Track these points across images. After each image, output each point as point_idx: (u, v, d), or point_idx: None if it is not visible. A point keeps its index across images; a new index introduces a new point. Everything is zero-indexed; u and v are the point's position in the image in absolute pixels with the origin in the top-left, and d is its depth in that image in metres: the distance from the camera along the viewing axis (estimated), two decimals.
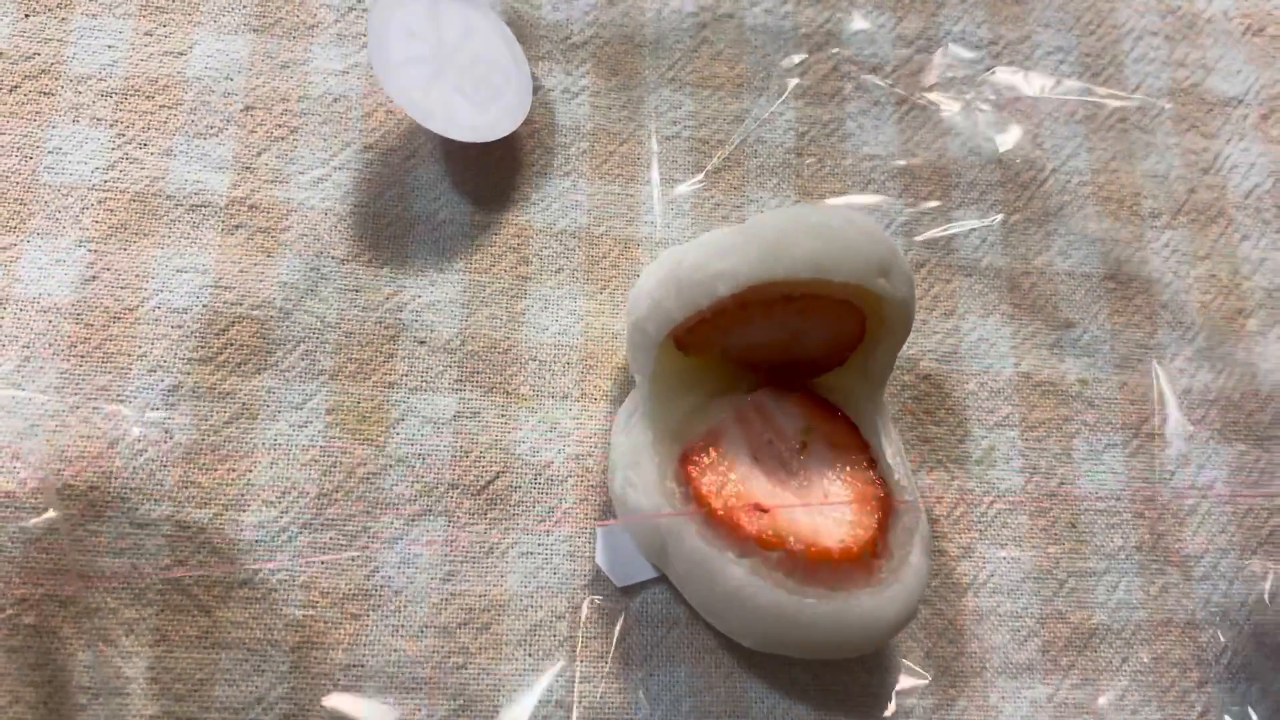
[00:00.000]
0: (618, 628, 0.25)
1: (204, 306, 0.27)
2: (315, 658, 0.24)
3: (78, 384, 0.26)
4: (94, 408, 0.25)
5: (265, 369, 0.26)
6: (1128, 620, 0.27)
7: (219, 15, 0.30)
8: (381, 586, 0.25)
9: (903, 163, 0.31)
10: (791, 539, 0.22)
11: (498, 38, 0.30)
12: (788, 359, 0.25)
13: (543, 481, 0.26)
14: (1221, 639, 0.27)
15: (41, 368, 0.26)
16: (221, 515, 0.25)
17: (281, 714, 0.24)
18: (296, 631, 0.24)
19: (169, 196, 0.28)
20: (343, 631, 0.25)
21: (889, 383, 0.28)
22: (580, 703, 0.24)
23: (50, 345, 0.26)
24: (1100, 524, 0.28)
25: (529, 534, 0.26)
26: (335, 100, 0.29)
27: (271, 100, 0.29)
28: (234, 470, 0.25)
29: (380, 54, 0.27)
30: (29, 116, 0.28)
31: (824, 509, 0.23)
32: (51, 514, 0.24)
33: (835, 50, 0.32)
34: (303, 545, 0.25)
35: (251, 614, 0.24)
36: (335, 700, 0.24)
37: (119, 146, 0.28)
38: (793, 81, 0.32)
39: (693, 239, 0.27)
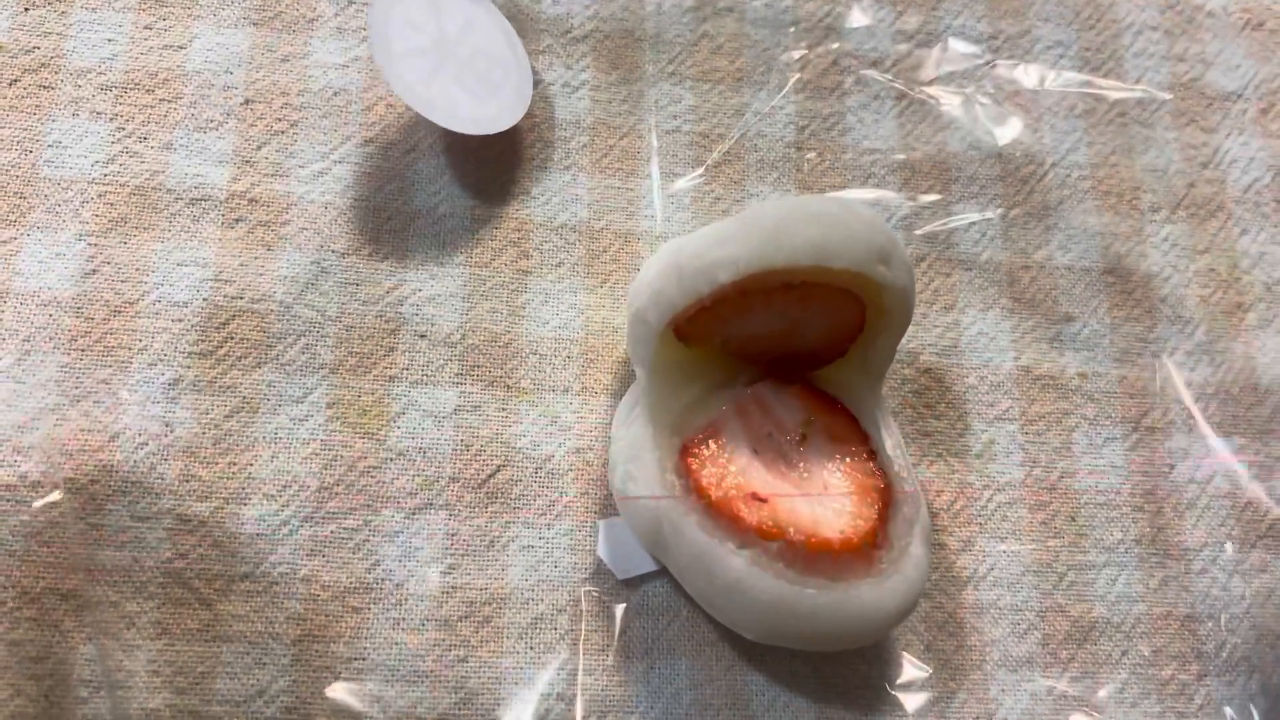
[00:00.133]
0: (619, 620, 0.25)
1: (204, 300, 0.27)
2: (317, 651, 0.24)
3: (78, 378, 0.26)
4: (95, 401, 0.25)
5: (266, 362, 0.26)
6: (1128, 613, 0.27)
7: (219, 9, 0.30)
8: (383, 579, 0.25)
9: (903, 157, 0.31)
10: (792, 530, 0.22)
11: (498, 31, 0.30)
12: (788, 351, 0.25)
13: (543, 475, 0.26)
14: (1221, 632, 0.27)
15: (42, 361, 0.26)
16: (222, 509, 0.25)
17: (283, 707, 0.24)
18: (298, 625, 0.24)
19: (169, 190, 0.28)
20: (344, 625, 0.25)
21: (889, 377, 0.28)
22: (583, 695, 0.24)
23: (51, 339, 0.26)
24: (1100, 517, 0.28)
25: (530, 527, 0.26)
26: (335, 94, 0.29)
27: (271, 94, 0.29)
28: (235, 464, 0.25)
29: (382, 46, 0.27)
30: (29, 110, 0.28)
31: (824, 500, 0.23)
32: (54, 497, 0.24)
33: (835, 44, 0.32)
34: (304, 539, 0.25)
35: (253, 607, 0.24)
36: (337, 693, 0.24)
37: (119, 140, 0.28)
38: (793, 76, 0.32)
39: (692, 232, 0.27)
